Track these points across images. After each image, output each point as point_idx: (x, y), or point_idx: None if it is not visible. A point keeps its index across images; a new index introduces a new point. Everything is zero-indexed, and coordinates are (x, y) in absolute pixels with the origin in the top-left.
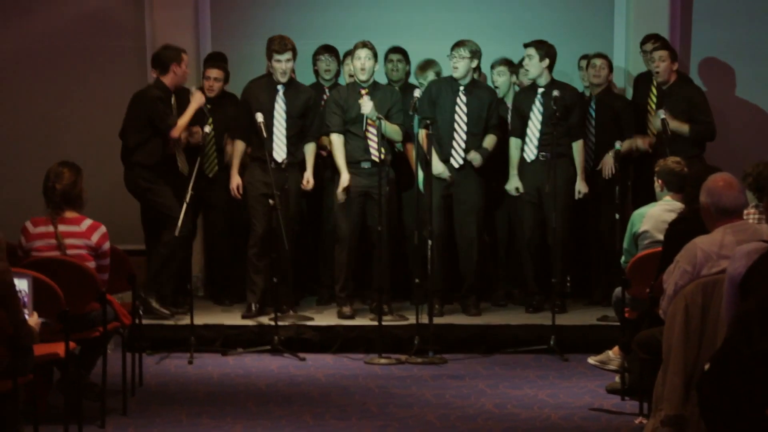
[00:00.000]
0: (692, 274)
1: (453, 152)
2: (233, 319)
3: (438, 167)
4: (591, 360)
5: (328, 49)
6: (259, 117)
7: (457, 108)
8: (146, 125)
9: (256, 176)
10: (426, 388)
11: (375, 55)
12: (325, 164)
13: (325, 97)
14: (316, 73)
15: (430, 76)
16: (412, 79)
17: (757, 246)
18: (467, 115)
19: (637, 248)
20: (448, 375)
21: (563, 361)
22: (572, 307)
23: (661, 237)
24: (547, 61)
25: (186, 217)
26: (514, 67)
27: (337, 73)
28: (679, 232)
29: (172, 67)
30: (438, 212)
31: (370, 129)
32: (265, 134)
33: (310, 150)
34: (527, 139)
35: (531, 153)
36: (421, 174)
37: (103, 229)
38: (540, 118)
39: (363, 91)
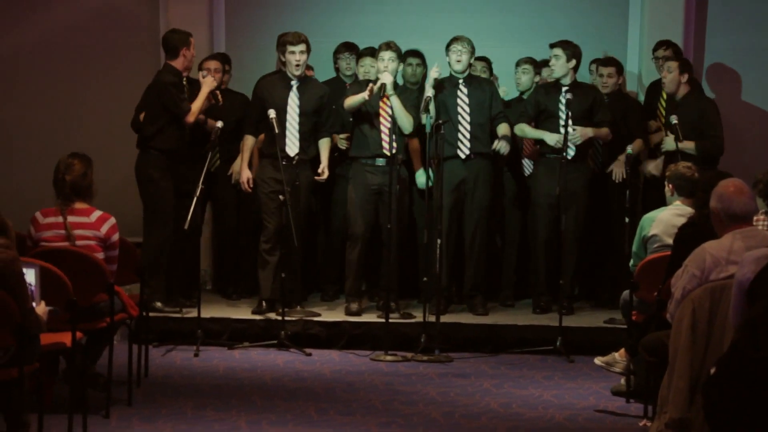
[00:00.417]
0: (700, 279)
1: (459, 144)
2: (240, 312)
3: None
4: (597, 360)
5: (349, 47)
6: (272, 113)
7: (458, 101)
8: (161, 112)
9: (267, 173)
10: (431, 386)
11: (399, 57)
12: (339, 161)
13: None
14: (337, 70)
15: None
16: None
17: (765, 252)
18: (470, 105)
19: (646, 252)
20: (454, 373)
21: (569, 362)
22: (579, 309)
23: (670, 241)
24: (573, 62)
25: (194, 212)
26: (538, 67)
27: None
28: (689, 236)
29: (182, 51)
30: (448, 211)
31: (384, 122)
32: (277, 130)
33: (325, 144)
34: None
35: (569, 153)
36: (421, 173)
37: (112, 220)
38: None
39: (370, 86)
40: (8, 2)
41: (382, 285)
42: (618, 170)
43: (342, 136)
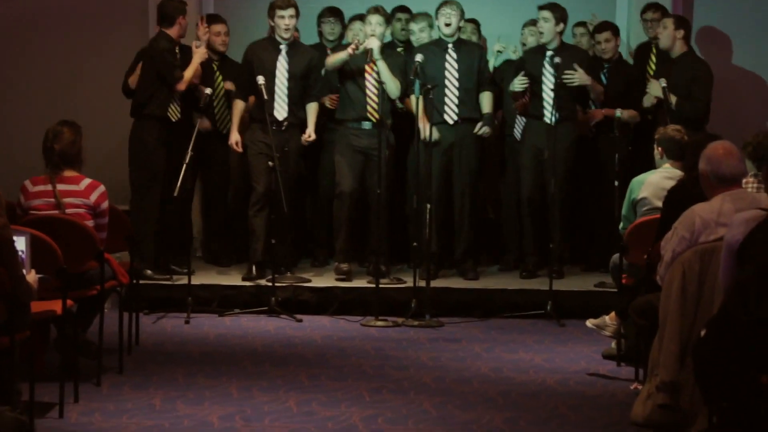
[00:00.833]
0: (690, 241)
1: (447, 109)
2: (231, 279)
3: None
4: (589, 323)
5: (334, 12)
6: (260, 79)
7: (447, 65)
8: (154, 78)
9: (257, 136)
10: (422, 350)
11: (387, 21)
12: (326, 126)
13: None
14: (320, 34)
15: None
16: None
17: (755, 214)
18: (458, 71)
19: (636, 215)
20: (445, 338)
21: (560, 326)
22: (570, 272)
23: (659, 204)
24: (561, 26)
25: (184, 178)
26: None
27: (341, 36)
28: (678, 199)
29: (178, 20)
30: (437, 176)
31: (370, 86)
32: (266, 96)
33: (312, 108)
34: (544, 103)
35: (549, 116)
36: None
37: (102, 188)
38: (553, 80)
39: (356, 42)
40: None
41: (372, 249)
42: (594, 119)
43: (333, 96)
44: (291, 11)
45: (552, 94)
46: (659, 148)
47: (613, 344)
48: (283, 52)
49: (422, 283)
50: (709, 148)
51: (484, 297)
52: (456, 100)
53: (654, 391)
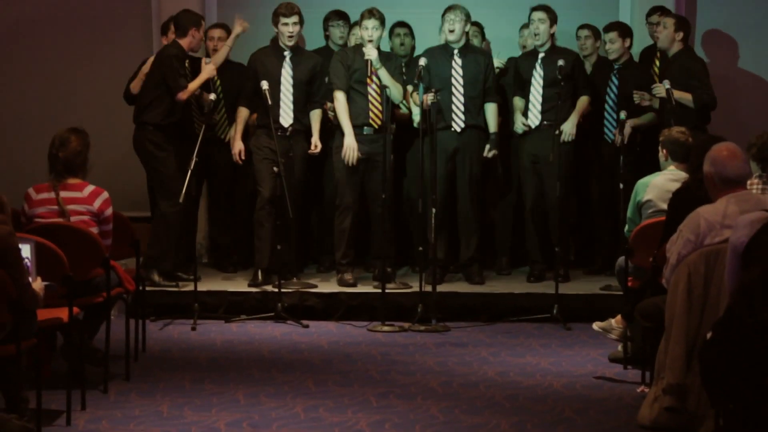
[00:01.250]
0: (695, 244)
1: (454, 117)
2: (237, 285)
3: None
4: (595, 326)
5: (340, 15)
6: (264, 85)
7: (453, 72)
8: (161, 83)
9: (262, 142)
10: (429, 355)
11: (383, 24)
12: (331, 132)
13: None
14: (327, 38)
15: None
16: (418, 53)
17: (759, 216)
18: (464, 77)
19: (641, 217)
20: (451, 343)
21: (566, 329)
22: (575, 276)
23: (664, 206)
24: (554, 27)
25: (190, 184)
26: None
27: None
28: (683, 201)
29: (191, 31)
30: (442, 180)
31: (372, 92)
32: (270, 101)
33: (316, 116)
34: (530, 105)
35: (534, 119)
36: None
37: (105, 194)
38: (541, 83)
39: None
40: None
41: (376, 254)
42: (621, 137)
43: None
44: (295, 18)
45: (540, 98)
46: (664, 151)
47: (620, 347)
48: (287, 59)
49: (428, 288)
50: (714, 150)
51: (490, 301)
52: (462, 107)
53: (661, 393)
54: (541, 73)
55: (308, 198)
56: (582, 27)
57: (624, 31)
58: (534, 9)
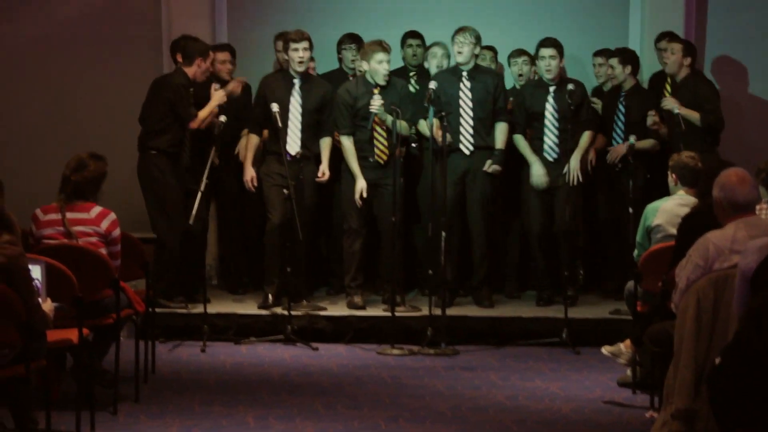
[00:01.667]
0: (704, 269)
1: (462, 139)
2: (246, 308)
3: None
4: (604, 350)
5: (353, 38)
6: (275, 107)
7: (461, 94)
8: (168, 111)
9: (272, 168)
10: (438, 379)
11: (388, 51)
12: (341, 156)
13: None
14: (340, 61)
15: (438, 53)
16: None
17: None
18: (472, 100)
19: (650, 242)
20: (460, 366)
21: (575, 353)
22: (584, 300)
23: (674, 231)
24: (563, 60)
25: (199, 207)
26: (532, 58)
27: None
28: (692, 226)
29: (197, 61)
30: (452, 204)
31: (377, 128)
32: (280, 123)
33: (326, 144)
34: (546, 139)
35: (552, 153)
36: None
37: (112, 216)
38: (556, 116)
39: (375, 90)
40: None
41: (385, 277)
42: (616, 154)
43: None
44: (305, 44)
45: (557, 131)
46: (673, 175)
47: (629, 372)
48: (297, 86)
49: (438, 311)
50: (723, 175)
51: (500, 325)
52: (471, 130)
53: (669, 419)
54: (555, 106)
55: (318, 221)
56: (596, 54)
57: (626, 58)
58: (543, 45)
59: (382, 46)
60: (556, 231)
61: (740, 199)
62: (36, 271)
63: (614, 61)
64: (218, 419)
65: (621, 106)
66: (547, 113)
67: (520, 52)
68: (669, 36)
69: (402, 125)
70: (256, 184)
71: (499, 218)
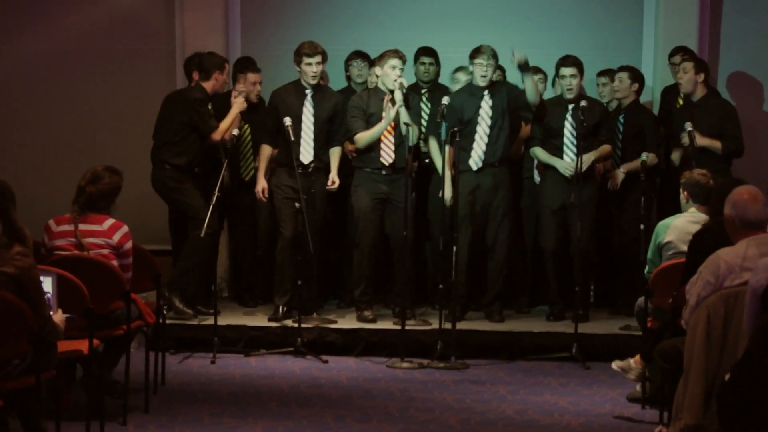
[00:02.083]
0: (715, 286)
1: (473, 154)
2: (257, 320)
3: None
4: (614, 365)
5: (360, 55)
6: (287, 121)
7: (481, 112)
8: (183, 126)
9: (283, 180)
10: (447, 392)
11: (404, 61)
12: (351, 169)
13: None
14: (348, 78)
15: (462, 78)
16: (442, 80)
17: None
18: (492, 118)
19: (661, 259)
20: (470, 380)
21: (585, 369)
22: (595, 316)
23: (685, 248)
24: (583, 78)
25: (212, 218)
26: (546, 76)
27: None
28: (703, 243)
29: (214, 75)
30: (464, 218)
31: (387, 135)
32: (292, 137)
33: (335, 153)
34: (564, 156)
35: (572, 169)
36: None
37: (125, 228)
38: (574, 133)
39: (386, 97)
40: (23, 9)
41: (397, 291)
42: (616, 179)
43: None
44: (318, 58)
45: (575, 149)
46: (685, 192)
47: (638, 387)
48: (309, 97)
49: (448, 325)
50: (735, 193)
51: (510, 339)
52: (484, 147)
53: None
54: (574, 124)
55: (329, 235)
56: (600, 74)
57: (636, 75)
58: (563, 64)
59: (398, 53)
60: (572, 251)
61: (751, 217)
62: (47, 283)
63: (624, 75)
64: (228, 430)
65: (620, 125)
66: (566, 131)
67: (535, 70)
68: (683, 51)
69: (414, 131)
70: (267, 195)
71: (516, 234)
